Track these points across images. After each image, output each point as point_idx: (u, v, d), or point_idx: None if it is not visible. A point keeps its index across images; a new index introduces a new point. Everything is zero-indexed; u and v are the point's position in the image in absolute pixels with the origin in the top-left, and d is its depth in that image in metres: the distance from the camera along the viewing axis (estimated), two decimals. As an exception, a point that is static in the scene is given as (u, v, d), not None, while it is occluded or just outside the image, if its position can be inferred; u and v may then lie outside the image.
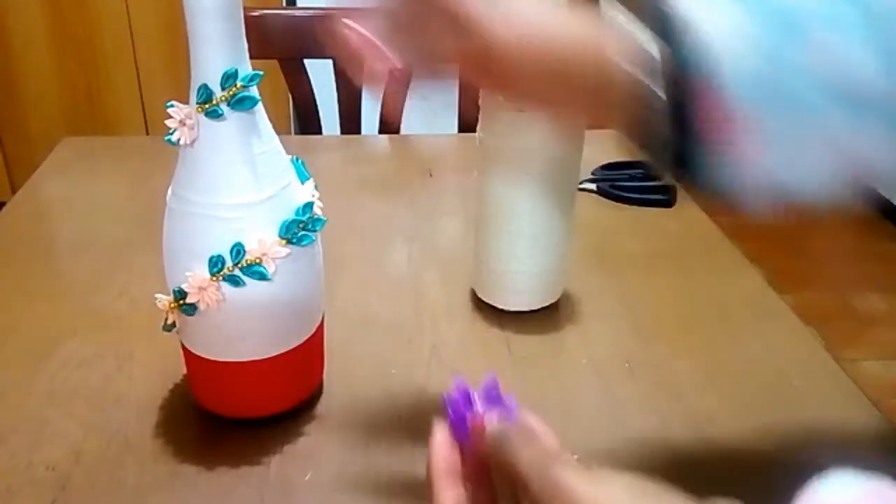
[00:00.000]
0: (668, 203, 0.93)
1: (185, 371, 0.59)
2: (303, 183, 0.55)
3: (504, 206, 0.66)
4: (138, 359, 0.65)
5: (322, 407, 0.61)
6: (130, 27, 2.13)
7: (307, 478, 0.54)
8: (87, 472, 0.54)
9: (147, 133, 2.25)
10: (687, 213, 0.91)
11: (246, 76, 0.48)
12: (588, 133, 0.66)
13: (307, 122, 1.28)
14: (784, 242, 2.41)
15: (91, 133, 2.23)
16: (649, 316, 0.73)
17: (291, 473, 0.55)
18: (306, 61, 1.21)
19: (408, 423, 0.59)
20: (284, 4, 2.19)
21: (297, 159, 0.56)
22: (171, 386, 0.62)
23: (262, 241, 0.51)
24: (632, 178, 0.97)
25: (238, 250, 0.50)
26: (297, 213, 0.53)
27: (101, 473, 0.54)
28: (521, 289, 0.70)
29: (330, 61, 1.22)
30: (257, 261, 0.51)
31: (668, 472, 0.56)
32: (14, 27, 2.10)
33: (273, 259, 0.51)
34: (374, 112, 1.25)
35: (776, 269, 2.26)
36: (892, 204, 2.48)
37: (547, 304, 0.71)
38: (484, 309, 0.72)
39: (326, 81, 1.24)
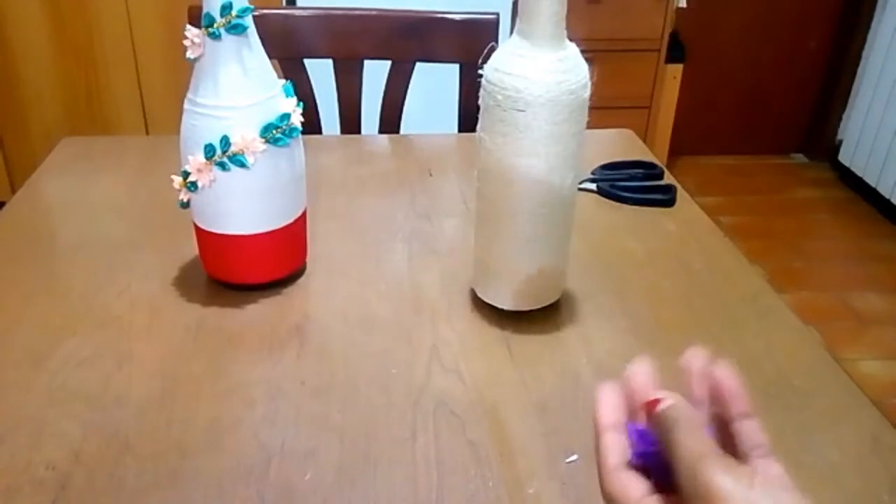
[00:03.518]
0: (668, 203, 0.93)
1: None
2: (287, 98, 0.70)
3: (504, 206, 0.66)
4: (138, 358, 0.65)
5: (322, 406, 0.61)
6: (130, 27, 2.13)
7: (307, 478, 0.54)
8: (87, 471, 0.54)
9: (147, 133, 2.25)
10: (687, 213, 0.91)
11: (239, 8, 0.64)
12: (588, 133, 0.66)
13: (307, 121, 1.27)
14: (784, 242, 2.42)
15: (91, 133, 2.23)
16: (649, 316, 0.73)
17: (291, 473, 0.55)
18: (306, 61, 1.21)
19: (407, 422, 0.59)
20: (284, 4, 2.19)
21: (287, 82, 0.71)
22: (171, 388, 0.63)
23: (245, 137, 0.66)
24: (632, 178, 0.97)
25: (225, 142, 0.66)
26: (276, 120, 0.67)
27: (100, 473, 0.54)
28: (520, 289, 0.70)
29: (330, 61, 1.23)
30: (240, 152, 0.66)
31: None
32: (14, 28, 2.10)
33: (252, 152, 0.66)
34: (374, 112, 1.25)
35: (776, 269, 2.26)
36: (892, 204, 2.48)
37: (547, 303, 0.71)
38: (484, 309, 0.72)
39: (326, 81, 1.24)
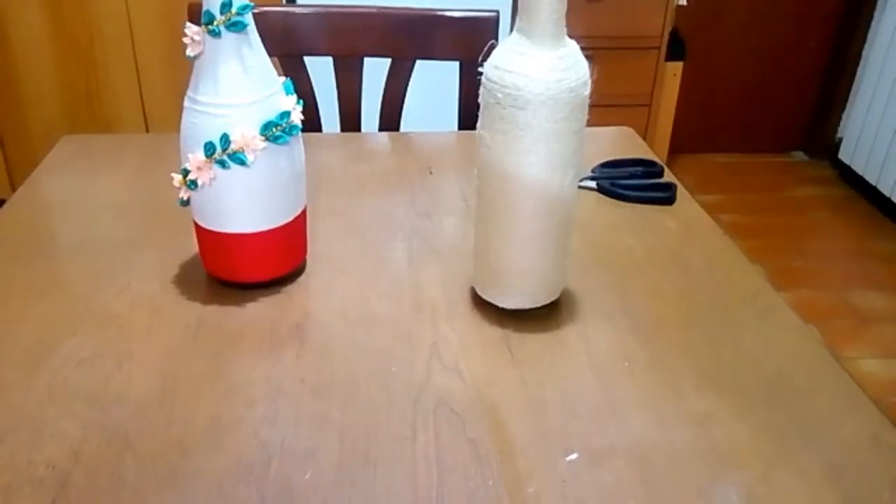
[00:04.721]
0: (668, 201, 0.92)
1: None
2: (287, 96, 0.70)
3: (504, 204, 0.66)
4: (138, 357, 0.65)
5: (323, 405, 0.61)
6: (130, 27, 2.13)
7: (307, 476, 0.54)
8: (87, 470, 0.54)
9: (147, 132, 2.25)
10: (687, 211, 0.91)
11: (239, 5, 0.64)
12: (588, 131, 0.66)
13: (307, 119, 1.27)
14: (784, 240, 2.41)
15: (91, 132, 2.23)
16: (649, 314, 0.73)
17: (291, 473, 0.55)
18: (306, 59, 1.21)
19: (407, 420, 0.59)
20: (284, 2, 2.19)
21: (287, 79, 0.71)
22: (171, 387, 0.63)
23: (245, 134, 0.66)
24: (632, 176, 0.97)
25: (225, 140, 0.66)
26: (276, 118, 0.67)
27: (100, 472, 0.54)
28: (520, 287, 0.70)
29: (330, 58, 1.23)
30: (240, 150, 0.66)
31: (668, 472, 0.56)
32: (14, 27, 2.10)
33: (252, 150, 0.66)
34: (374, 109, 1.25)
35: (776, 268, 2.26)
36: (892, 202, 2.48)
37: (547, 302, 0.71)
38: (484, 307, 0.72)
39: (326, 79, 1.24)
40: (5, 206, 0.89)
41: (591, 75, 0.63)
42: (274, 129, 0.67)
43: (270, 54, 0.69)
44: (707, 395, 0.63)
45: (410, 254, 0.81)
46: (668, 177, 0.98)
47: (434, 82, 1.42)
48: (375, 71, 1.23)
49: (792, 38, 2.76)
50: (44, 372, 0.63)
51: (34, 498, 0.52)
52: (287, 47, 1.19)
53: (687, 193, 0.94)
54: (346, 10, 1.21)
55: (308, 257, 0.78)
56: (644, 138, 1.14)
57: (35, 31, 2.11)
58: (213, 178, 0.67)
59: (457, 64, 1.22)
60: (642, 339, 0.69)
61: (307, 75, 1.22)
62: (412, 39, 1.20)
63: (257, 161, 0.67)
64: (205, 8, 0.64)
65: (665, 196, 0.93)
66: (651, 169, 0.99)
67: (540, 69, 0.61)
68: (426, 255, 0.81)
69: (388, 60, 1.22)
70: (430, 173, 0.98)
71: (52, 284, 0.75)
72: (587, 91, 0.63)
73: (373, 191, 0.94)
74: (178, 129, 0.68)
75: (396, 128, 1.25)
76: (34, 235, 0.83)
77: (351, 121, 1.26)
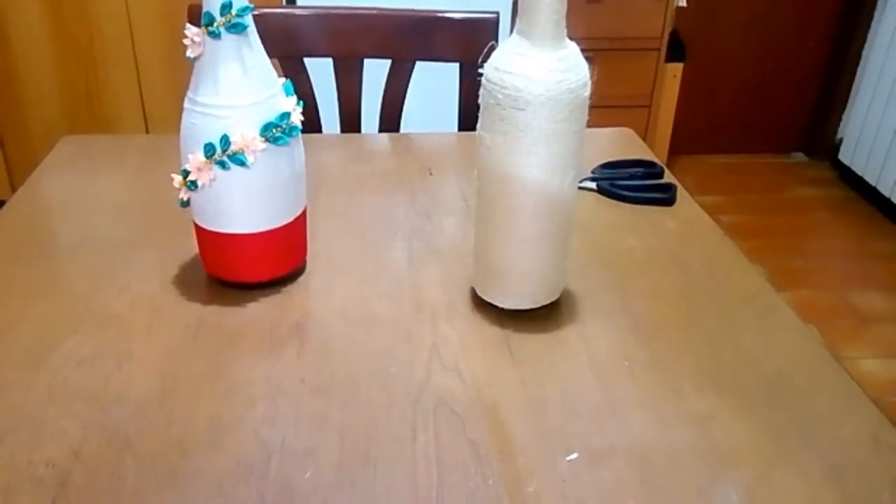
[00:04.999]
0: (668, 202, 0.93)
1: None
2: (287, 97, 0.70)
3: (504, 205, 0.66)
4: (138, 357, 0.65)
5: (323, 404, 0.61)
6: (130, 27, 2.13)
7: (307, 476, 0.54)
8: (87, 470, 0.54)
9: (147, 132, 2.25)
10: (687, 212, 0.91)
11: (239, 7, 0.64)
12: (588, 132, 0.66)
13: (307, 120, 1.27)
14: (784, 241, 2.42)
15: (91, 132, 2.23)
16: (649, 314, 0.73)
17: (291, 472, 0.55)
18: (306, 60, 1.21)
19: (407, 420, 0.59)
20: (284, 3, 2.19)
21: (287, 80, 0.71)
22: (171, 387, 0.63)
23: (244, 136, 0.66)
24: (632, 177, 0.97)
25: (225, 140, 0.66)
26: (276, 119, 0.67)
27: (100, 472, 0.54)
28: (520, 287, 0.70)
29: (330, 60, 1.23)
30: (240, 150, 0.66)
31: (668, 471, 0.56)
32: (14, 27, 2.10)
33: (252, 151, 0.66)
34: (374, 110, 1.25)
35: (776, 268, 2.26)
36: (892, 203, 2.48)
37: (547, 302, 0.71)
38: (484, 307, 0.72)
39: (326, 80, 1.24)
40: (5, 206, 0.89)
41: (591, 76, 0.63)
42: (274, 131, 0.67)
43: (270, 56, 0.69)
44: (707, 395, 0.63)
45: (410, 254, 0.81)
46: (668, 177, 0.98)
47: (434, 83, 1.42)
48: (375, 72, 1.23)
49: (792, 38, 2.76)
50: (44, 372, 0.63)
51: (34, 497, 0.52)
52: (287, 49, 1.20)
53: (687, 194, 0.95)
54: (346, 11, 1.21)
55: (308, 257, 0.78)
56: (644, 139, 1.14)
57: (35, 31, 2.11)
58: (213, 179, 0.67)
59: (457, 65, 1.22)
60: (642, 339, 0.69)
61: (307, 76, 1.22)
62: (412, 41, 1.21)
63: (257, 162, 0.67)
64: (205, 9, 0.64)
65: (665, 197, 0.93)
66: (651, 170, 0.99)
67: (540, 70, 0.61)
68: (426, 256, 0.81)
69: (388, 62, 1.22)
70: (430, 174, 0.99)
71: (52, 284, 0.75)
72: (587, 92, 0.63)
73: (373, 191, 0.94)
74: (178, 130, 0.68)
75: (396, 129, 1.25)
76: (34, 235, 0.83)
77: (351, 122, 1.26)
